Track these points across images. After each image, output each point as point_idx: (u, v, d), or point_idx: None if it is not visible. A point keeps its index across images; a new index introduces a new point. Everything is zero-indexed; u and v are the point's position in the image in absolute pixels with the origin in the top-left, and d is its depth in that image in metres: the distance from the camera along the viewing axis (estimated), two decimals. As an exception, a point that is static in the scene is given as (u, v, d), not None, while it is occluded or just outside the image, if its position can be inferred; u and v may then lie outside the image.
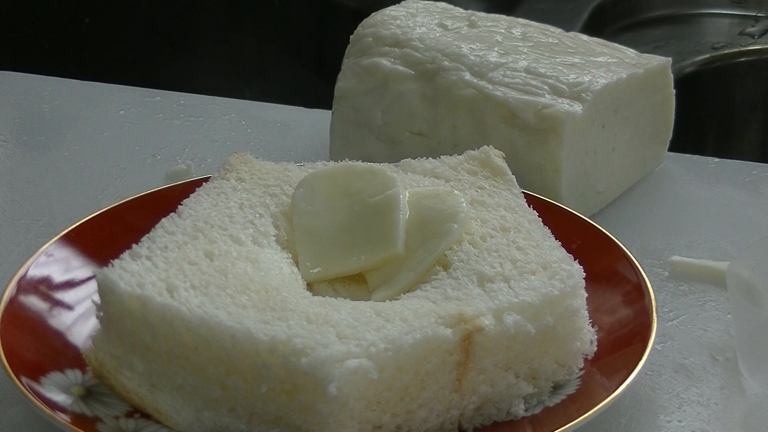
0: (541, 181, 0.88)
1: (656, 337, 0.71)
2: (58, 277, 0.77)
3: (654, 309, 0.73)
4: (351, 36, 0.99)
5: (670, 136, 1.00)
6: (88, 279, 0.76)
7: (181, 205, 0.76)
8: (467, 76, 0.92)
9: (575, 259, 0.72)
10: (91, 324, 0.72)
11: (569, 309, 0.69)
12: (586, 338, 0.72)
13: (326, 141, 0.98)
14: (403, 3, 1.03)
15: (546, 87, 0.90)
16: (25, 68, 1.19)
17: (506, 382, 0.68)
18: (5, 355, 0.68)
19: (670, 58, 0.98)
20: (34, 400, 0.66)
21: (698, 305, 0.83)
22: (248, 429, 0.65)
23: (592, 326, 0.73)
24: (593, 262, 0.75)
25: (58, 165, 1.01)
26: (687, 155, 1.04)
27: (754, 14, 1.47)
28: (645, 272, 0.77)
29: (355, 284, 0.73)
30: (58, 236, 0.80)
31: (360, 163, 0.80)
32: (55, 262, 0.78)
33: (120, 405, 0.68)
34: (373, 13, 1.01)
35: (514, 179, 0.81)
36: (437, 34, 0.97)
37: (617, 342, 0.73)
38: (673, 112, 1.00)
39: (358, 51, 0.97)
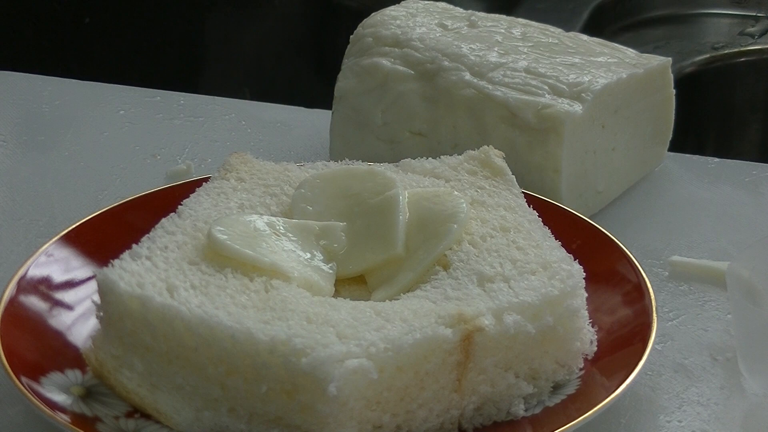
0: (541, 181, 0.88)
1: (656, 337, 0.71)
2: (58, 277, 0.77)
3: (654, 309, 0.73)
4: (351, 36, 0.99)
5: (670, 136, 1.00)
6: (88, 279, 0.76)
7: (181, 205, 0.76)
8: (467, 76, 0.92)
9: (575, 259, 0.72)
10: (91, 324, 0.72)
11: (569, 309, 0.69)
12: (586, 338, 0.72)
13: (326, 141, 0.98)
14: (403, 3, 1.03)
15: (546, 87, 0.90)
16: (25, 68, 1.19)
17: (506, 382, 0.68)
18: (5, 355, 0.68)
19: (670, 58, 0.98)
20: (34, 400, 0.66)
21: (698, 305, 0.83)
22: (248, 429, 0.65)
23: (592, 326, 0.73)
24: (593, 262, 0.75)
25: (58, 165, 1.01)
26: (687, 155, 1.04)
27: (754, 14, 1.47)
28: (645, 272, 0.77)
29: (355, 284, 0.73)
30: (58, 236, 0.80)
31: (360, 164, 0.80)
32: (55, 262, 0.78)
33: (120, 405, 0.68)
34: (373, 13, 1.01)
35: (514, 179, 0.81)
36: (437, 34, 0.97)
37: (617, 342, 0.73)
38: (673, 112, 1.00)
39: (358, 51, 0.97)
